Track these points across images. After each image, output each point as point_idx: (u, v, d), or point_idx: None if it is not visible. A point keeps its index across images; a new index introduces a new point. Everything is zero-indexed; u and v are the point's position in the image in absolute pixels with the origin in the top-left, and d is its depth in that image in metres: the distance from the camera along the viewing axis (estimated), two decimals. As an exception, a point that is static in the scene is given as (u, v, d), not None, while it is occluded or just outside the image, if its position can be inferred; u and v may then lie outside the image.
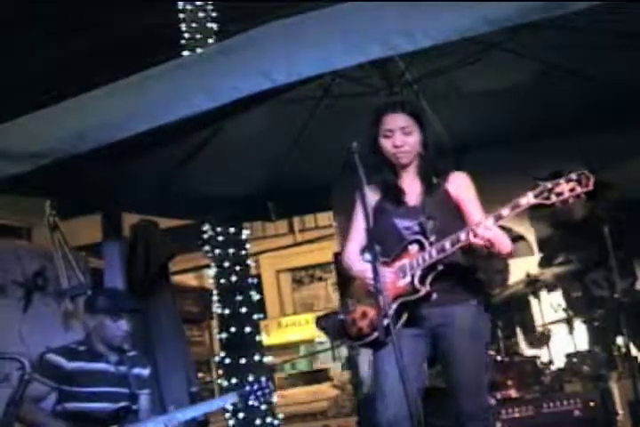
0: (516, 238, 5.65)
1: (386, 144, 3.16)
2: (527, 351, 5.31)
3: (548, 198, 2.71)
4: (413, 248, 3.07)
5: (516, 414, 4.50)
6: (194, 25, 9.71)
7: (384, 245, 3.04)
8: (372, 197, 3.20)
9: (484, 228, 2.84)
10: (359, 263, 3.20)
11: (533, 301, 5.39)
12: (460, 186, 3.21)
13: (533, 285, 5.23)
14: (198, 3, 9.81)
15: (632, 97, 4.52)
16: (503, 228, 3.13)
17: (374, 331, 3.02)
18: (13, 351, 4.61)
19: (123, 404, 3.68)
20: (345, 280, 6.28)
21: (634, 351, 4.72)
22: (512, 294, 5.30)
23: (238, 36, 3.32)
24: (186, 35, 9.70)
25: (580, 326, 5.18)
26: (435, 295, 3.02)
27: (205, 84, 3.12)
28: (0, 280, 4.96)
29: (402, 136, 3.13)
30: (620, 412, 4.68)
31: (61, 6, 9.99)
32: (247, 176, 5.35)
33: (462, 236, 2.91)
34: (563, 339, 5.15)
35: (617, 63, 4.25)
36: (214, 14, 9.84)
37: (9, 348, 4.63)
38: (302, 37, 3.10)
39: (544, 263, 5.58)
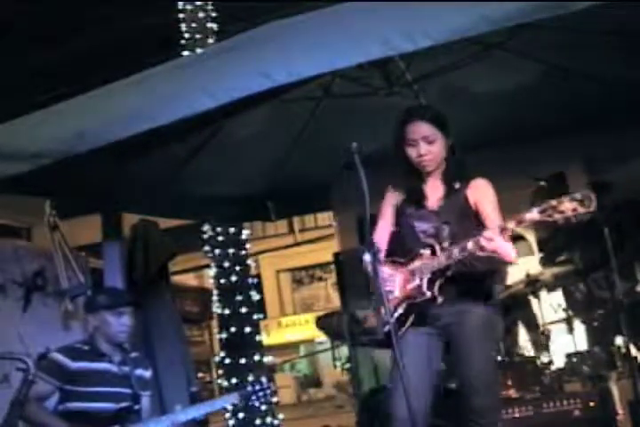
0: (516, 238, 5.63)
1: (411, 153, 3.22)
2: (527, 351, 5.30)
3: (551, 216, 2.79)
4: (426, 252, 3.14)
5: (516, 414, 4.50)
6: (194, 25, 9.74)
7: (403, 246, 3.22)
8: (396, 198, 3.33)
9: (487, 239, 2.90)
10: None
11: (533, 301, 5.37)
12: (478, 192, 3.24)
13: (533, 285, 5.22)
14: (198, 3, 9.83)
15: (632, 97, 4.52)
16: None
17: (383, 328, 3.07)
18: (13, 351, 4.61)
19: (125, 404, 3.68)
20: (344, 280, 6.31)
21: (634, 351, 4.71)
22: (512, 294, 5.29)
23: (238, 36, 3.32)
24: (186, 35, 9.72)
25: (579, 326, 5.17)
26: (440, 299, 3.09)
27: (205, 84, 3.12)
28: (-1, 280, 4.96)
29: (425, 145, 3.19)
30: (620, 412, 4.68)
31: (61, 6, 10.00)
32: (247, 176, 5.35)
33: (469, 245, 2.96)
34: (563, 339, 5.14)
35: (617, 63, 4.25)
36: (214, 14, 9.86)
37: (8, 348, 4.62)
38: (302, 37, 3.10)
39: (546, 262, 5.57)
